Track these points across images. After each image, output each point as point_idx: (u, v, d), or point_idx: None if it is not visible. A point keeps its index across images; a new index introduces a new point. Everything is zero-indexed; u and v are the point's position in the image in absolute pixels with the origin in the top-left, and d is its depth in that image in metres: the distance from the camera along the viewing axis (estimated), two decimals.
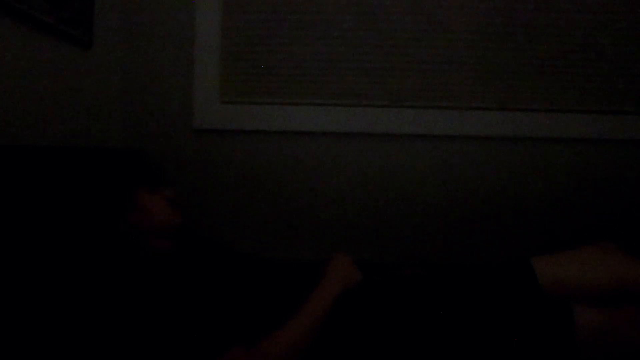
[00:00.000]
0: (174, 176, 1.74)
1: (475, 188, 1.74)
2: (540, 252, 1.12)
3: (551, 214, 1.73)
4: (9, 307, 0.87)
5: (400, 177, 1.75)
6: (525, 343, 0.95)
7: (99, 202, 1.02)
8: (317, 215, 1.76)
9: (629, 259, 1.03)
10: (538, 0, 1.69)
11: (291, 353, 0.88)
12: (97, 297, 0.92)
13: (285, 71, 1.75)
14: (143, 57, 1.75)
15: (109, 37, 1.64)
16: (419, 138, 1.74)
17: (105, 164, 1.07)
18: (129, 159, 1.06)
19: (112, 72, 1.69)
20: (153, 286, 0.93)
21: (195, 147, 1.76)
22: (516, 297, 1.02)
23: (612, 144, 1.71)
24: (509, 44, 1.72)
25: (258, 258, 1.27)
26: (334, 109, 1.74)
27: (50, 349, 0.88)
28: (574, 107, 1.73)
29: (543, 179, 1.73)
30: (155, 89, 1.75)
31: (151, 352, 0.85)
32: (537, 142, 1.73)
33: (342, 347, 0.99)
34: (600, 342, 0.95)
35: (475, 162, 1.74)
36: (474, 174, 1.74)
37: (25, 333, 0.88)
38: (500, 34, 1.71)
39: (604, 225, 1.72)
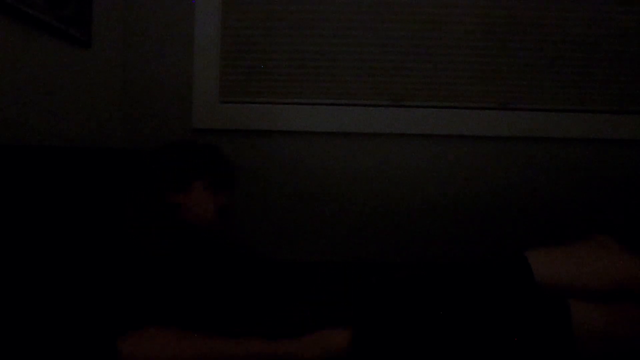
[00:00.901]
0: None
1: (476, 188, 1.74)
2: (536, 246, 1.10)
3: (552, 214, 1.73)
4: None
5: (400, 177, 1.75)
6: (521, 341, 0.94)
7: (160, 173, 1.12)
8: (316, 215, 1.76)
9: (628, 254, 1.01)
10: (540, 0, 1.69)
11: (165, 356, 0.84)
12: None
13: (285, 70, 1.74)
14: (142, 57, 1.74)
15: (107, 36, 1.63)
16: (420, 138, 1.73)
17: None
18: (204, 152, 1.17)
19: (111, 72, 1.68)
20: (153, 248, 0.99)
21: None
22: (512, 294, 1.00)
23: (614, 144, 1.71)
24: (510, 43, 1.71)
25: (253, 259, 1.28)
26: (334, 108, 1.73)
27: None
28: (575, 106, 1.72)
29: (544, 178, 1.73)
30: (154, 88, 1.75)
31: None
32: (538, 142, 1.72)
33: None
34: (597, 339, 0.93)
35: (476, 162, 1.73)
36: (475, 174, 1.74)
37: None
38: (502, 33, 1.71)
39: (605, 225, 1.72)
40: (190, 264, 1.06)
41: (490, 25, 1.71)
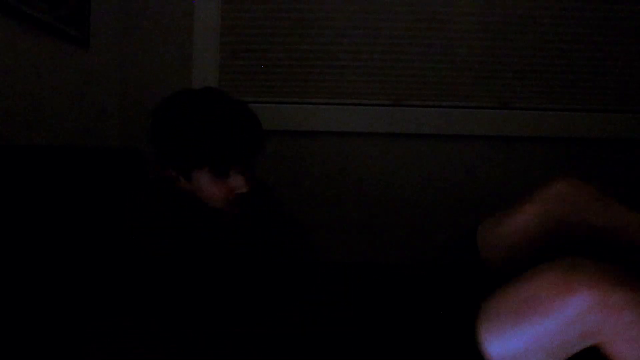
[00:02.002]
0: None
1: (477, 187, 1.73)
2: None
3: None
4: None
5: (400, 177, 1.74)
6: None
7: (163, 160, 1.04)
8: (314, 214, 1.75)
9: (597, 198, 0.84)
10: None
11: None
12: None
13: (285, 70, 1.74)
14: (141, 56, 1.74)
15: (106, 35, 1.63)
16: (420, 138, 1.73)
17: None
18: (212, 129, 1.01)
19: (110, 71, 1.68)
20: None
21: None
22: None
23: (614, 144, 1.71)
24: (510, 42, 1.71)
25: (254, 258, 1.23)
26: (334, 108, 1.73)
27: None
28: (576, 106, 1.72)
29: (544, 178, 1.72)
30: (153, 88, 1.74)
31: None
32: (538, 142, 1.72)
33: (328, 347, 0.97)
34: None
35: (476, 162, 1.73)
36: (475, 174, 1.73)
37: None
38: (502, 33, 1.71)
39: None
40: (189, 263, 1.04)
41: (490, 25, 1.70)
